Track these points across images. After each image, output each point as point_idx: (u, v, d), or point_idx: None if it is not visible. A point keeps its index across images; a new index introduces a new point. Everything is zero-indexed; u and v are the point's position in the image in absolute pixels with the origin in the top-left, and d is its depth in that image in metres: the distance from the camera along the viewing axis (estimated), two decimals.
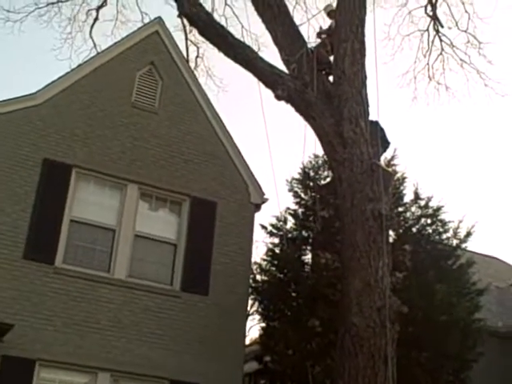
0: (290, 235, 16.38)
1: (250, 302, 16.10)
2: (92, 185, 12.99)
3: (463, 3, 17.19)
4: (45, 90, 12.96)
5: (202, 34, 12.29)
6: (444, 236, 15.90)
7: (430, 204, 16.13)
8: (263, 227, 16.54)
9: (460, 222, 15.98)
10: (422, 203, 16.17)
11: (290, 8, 13.06)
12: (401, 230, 15.62)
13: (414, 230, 15.85)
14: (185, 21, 17.57)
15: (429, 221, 16.00)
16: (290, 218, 16.63)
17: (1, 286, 11.38)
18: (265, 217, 21.08)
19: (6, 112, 12.49)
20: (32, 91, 12.84)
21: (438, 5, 16.83)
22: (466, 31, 17.25)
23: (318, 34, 12.75)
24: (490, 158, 49.23)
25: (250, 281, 14.93)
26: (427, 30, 17.23)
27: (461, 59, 17.20)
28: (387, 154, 15.64)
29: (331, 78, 11.98)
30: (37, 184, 12.27)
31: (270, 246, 16.57)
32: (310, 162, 16.86)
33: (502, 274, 24.75)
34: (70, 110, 13.10)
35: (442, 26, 17.00)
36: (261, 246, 24.47)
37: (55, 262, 11.97)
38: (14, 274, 11.56)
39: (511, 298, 21.24)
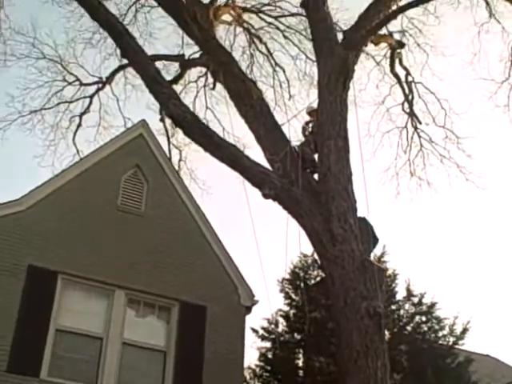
0: (282, 338, 15.96)
1: None
2: (78, 292, 12.60)
3: (439, 100, 17.52)
4: (29, 195, 12.80)
5: (187, 134, 12.27)
6: (440, 333, 15.60)
7: (424, 300, 15.92)
8: (254, 331, 16.14)
9: (455, 318, 15.75)
10: (416, 300, 15.96)
11: (270, 109, 13.15)
12: (395, 329, 15.29)
13: (409, 328, 15.54)
14: (167, 125, 17.77)
15: (423, 318, 15.74)
16: (281, 320, 16.27)
17: None
18: (256, 319, 20.58)
19: None
20: (16, 197, 12.67)
21: (414, 102, 17.18)
22: (443, 127, 17.48)
23: (306, 123, 12.83)
24: (478, 251, 49.21)
25: None
26: (405, 126, 17.48)
27: (440, 154, 17.33)
28: (377, 251, 15.55)
29: (316, 176, 11.97)
30: (21, 292, 11.87)
31: (263, 350, 16.13)
32: (300, 261, 16.69)
33: (496, 373, 24.27)
34: (55, 216, 12.91)
35: (420, 123, 17.29)
36: (253, 350, 23.84)
37: (40, 375, 11.40)
38: None
39: None
